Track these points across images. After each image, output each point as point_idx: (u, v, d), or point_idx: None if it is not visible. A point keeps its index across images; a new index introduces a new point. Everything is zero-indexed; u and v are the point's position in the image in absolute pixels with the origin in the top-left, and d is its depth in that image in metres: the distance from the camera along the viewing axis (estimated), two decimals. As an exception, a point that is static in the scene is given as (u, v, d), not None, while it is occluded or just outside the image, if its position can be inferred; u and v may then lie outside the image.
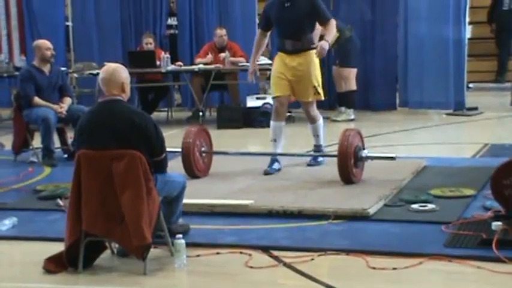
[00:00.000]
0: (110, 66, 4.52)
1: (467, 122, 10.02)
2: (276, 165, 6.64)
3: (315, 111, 6.78)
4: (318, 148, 6.92)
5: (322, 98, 6.79)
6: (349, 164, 6.05)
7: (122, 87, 4.41)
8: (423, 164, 6.90)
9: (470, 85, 11.99)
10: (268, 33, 6.83)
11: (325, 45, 6.36)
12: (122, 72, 4.46)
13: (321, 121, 6.86)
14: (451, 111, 10.48)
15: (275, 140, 6.66)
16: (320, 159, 6.84)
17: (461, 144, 8.68)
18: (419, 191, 5.86)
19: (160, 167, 4.49)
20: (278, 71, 6.58)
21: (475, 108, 10.59)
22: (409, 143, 8.53)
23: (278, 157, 6.70)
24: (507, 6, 12.52)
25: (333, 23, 6.52)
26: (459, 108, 10.46)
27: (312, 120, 6.80)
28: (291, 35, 6.51)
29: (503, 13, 12.54)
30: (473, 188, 5.89)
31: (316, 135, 6.87)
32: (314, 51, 6.47)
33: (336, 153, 6.19)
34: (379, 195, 5.66)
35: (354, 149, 6.10)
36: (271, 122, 6.72)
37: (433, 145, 8.47)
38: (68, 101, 7.92)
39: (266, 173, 6.53)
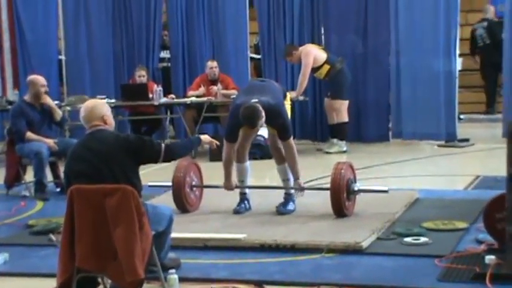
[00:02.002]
0: (89, 102, 4.71)
1: (459, 153, 10.05)
2: (246, 204, 6.56)
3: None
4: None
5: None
6: (342, 197, 6.05)
7: (102, 118, 4.54)
8: (415, 196, 6.91)
9: (462, 116, 12.05)
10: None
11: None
12: (101, 107, 4.60)
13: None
14: (442, 142, 10.52)
15: (242, 181, 6.59)
16: (291, 207, 6.51)
17: (454, 176, 8.70)
18: (412, 223, 5.86)
19: (170, 156, 4.68)
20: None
21: (467, 140, 10.63)
22: (401, 175, 8.54)
23: (248, 196, 6.60)
24: (482, 42, 12.68)
25: (291, 140, 6.30)
26: (451, 139, 10.50)
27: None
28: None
29: (480, 49, 12.73)
30: (466, 220, 5.90)
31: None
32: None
33: (328, 186, 6.20)
34: (372, 228, 5.66)
35: (346, 182, 6.11)
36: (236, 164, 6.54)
37: (425, 177, 8.48)
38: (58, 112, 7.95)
39: (236, 212, 6.46)
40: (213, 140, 5.26)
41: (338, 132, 10.29)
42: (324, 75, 10.21)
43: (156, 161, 4.61)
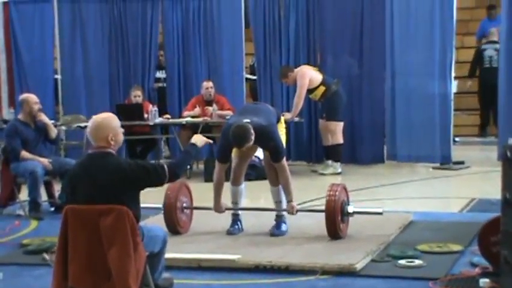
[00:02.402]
0: (98, 117, 4.51)
1: (454, 176, 10.06)
2: (239, 225, 6.57)
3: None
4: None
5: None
6: (337, 219, 6.05)
7: (107, 139, 4.40)
8: (410, 219, 6.91)
9: (457, 139, 12.07)
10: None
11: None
12: (110, 123, 4.46)
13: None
14: (437, 165, 10.52)
15: (235, 203, 6.59)
16: (284, 228, 6.51)
17: (448, 198, 8.70)
18: (407, 246, 5.86)
19: (175, 176, 4.60)
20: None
21: (462, 162, 10.64)
22: (396, 197, 8.55)
23: (240, 217, 6.60)
24: (488, 63, 12.66)
25: (284, 161, 6.26)
26: (446, 162, 10.51)
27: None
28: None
29: (485, 70, 12.66)
30: (460, 243, 5.89)
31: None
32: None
33: (322, 207, 6.20)
34: (367, 250, 5.65)
35: (340, 204, 6.11)
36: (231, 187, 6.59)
37: (420, 199, 8.49)
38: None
39: (229, 233, 6.46)
40: (206, 139, 5.03)
41: (333, 153, 10.30)
42: (320, 97, 10.24)
43: (162, 184, 4.56)
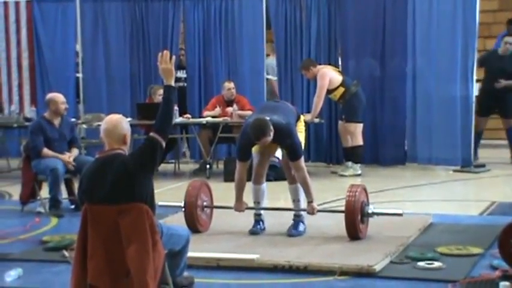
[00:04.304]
0: (113, 117, 4.51)
1: (475, 179, 10.00)
2: (261, 225, 6.56)
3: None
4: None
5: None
6: (356, 220, 6.04)
7: (123, 139, 4.41)
8: (430, 221, 6.88)
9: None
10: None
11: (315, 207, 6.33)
12: (124, 124, 4.47)
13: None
14: (458, 167, 10.47)
15: (258, 203, 6.59)
16: (301, 228, 6.52)
17: (469, 201, 8.65)
18: (426, 248, 5.83)
19: (163, 132, 4.39)
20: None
21: (483, 165, 10.58)
22: (416, 199, 8.52)
23: (263, 217, 6.59)
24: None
25: (301, 161, 6.25)
26: (466, 165, 10.45)
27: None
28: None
29: None
30: (480, 246, 5.86)
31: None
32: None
33: (341, 208, 6.19)
34: (386, 251, 5.63)
35: (360, 204, 6.10)
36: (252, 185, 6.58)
37: (440, 202, 8.45)
38: (75, 151, 8.00)
39: (252, 233, 6.45)
40: (171, 67, 4.70)
41: (353, 155, 10.27)
42: (339, 98, 10.23)
43: (162, 149, 4.37)
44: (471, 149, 10.49)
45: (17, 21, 12.00)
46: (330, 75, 10.09)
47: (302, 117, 6.74)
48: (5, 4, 12.01)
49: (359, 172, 10.16)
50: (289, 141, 6.19)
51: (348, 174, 10.10)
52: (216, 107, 10.62)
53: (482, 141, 12.20)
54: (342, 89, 10.12)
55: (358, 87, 10.23)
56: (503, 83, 10.81)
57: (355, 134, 10.22)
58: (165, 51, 4.68)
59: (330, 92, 10.15)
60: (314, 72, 10.14)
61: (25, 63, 12.07)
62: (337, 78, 10.13)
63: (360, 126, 10.25)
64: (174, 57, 4.69)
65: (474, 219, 7.30)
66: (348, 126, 10.26)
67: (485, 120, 11.17)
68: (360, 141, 10.24)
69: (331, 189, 8.72)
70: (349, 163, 10.28)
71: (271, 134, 6.03)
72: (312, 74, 10.19)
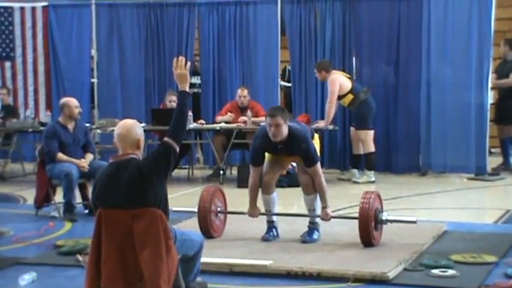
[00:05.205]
0: (127, 122, 4.49)
1: (489, 187, 9.97)
2: (274, 232, 6.54)
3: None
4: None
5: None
6: (370, 226, 6.03)
7: (137, 144, 4.40)
8: (444, 229, 6.86)
9: (492, 150, 11.95)
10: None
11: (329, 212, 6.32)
12: (138, 129, 4.46)
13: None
14: (472, 175, 10.43)
15: (269, 211, 6.57)
16: (315, 236, 6.47)
17: (483, 209, 8.63)
18: (440, 256, 5.81)
19: (177, 137, 4.38)
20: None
21: (497, 174, 10.54)
22: (430, 207, 8.49)
23: (276, 224, 6.58)
24: None
25: (318, 166, 6.31)
26: (481, 173, 10.42)
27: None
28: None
29: None
30: (495, 254, 5.83)
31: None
32: None
33: (355, 215, 6.18)
34: (399, 259, 5.62)
35: (374, 211, 6.09)
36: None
37: (454, 209, 8.42)
38: (90, 157, 8.04)
39: (264, 240, 6.43)
40: (185, 71, 4.70)
41: (366, 162, 10.26)
42: (348, 104, 10.24)
43: (176, 154, 4.36)
44: (485, 156, 10.46)
45: (33, 26, 12.10)
46: (339, 81, 10.09)
47: (316, 136, 6.73)
48: (22, 10, 12.10)
49: (373, 179, 10.13)
50: (305, 145, 6.20)
51: (362, 181, 10.08)
52: (229, 111, 10.64)
53: (495, 150, 12.16)
54: (350, 96, 10.12)
55: (368, 94, 10.21)
56: (494, 82, 10.73)
57: (366, 141, 10.21)
58: (180, 57, 4.69)
59: (339, 97, 10.16)
60: (324, 76, 10.17)
61: (41, 68, 12.16)
62: (347, 84, 10.13)
63: (370, 133, 10.23)
64: (189, 63, 4.67)
65: (489, 227, 7.27)
66: (358, 134, 10.26)
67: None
68: (371, 147, 10.22)
69: (344, 196, 8.72)
70: (356, 170, 10.27)
71: (286, 122, 6.10)
72: (321, 76, 10.24)
